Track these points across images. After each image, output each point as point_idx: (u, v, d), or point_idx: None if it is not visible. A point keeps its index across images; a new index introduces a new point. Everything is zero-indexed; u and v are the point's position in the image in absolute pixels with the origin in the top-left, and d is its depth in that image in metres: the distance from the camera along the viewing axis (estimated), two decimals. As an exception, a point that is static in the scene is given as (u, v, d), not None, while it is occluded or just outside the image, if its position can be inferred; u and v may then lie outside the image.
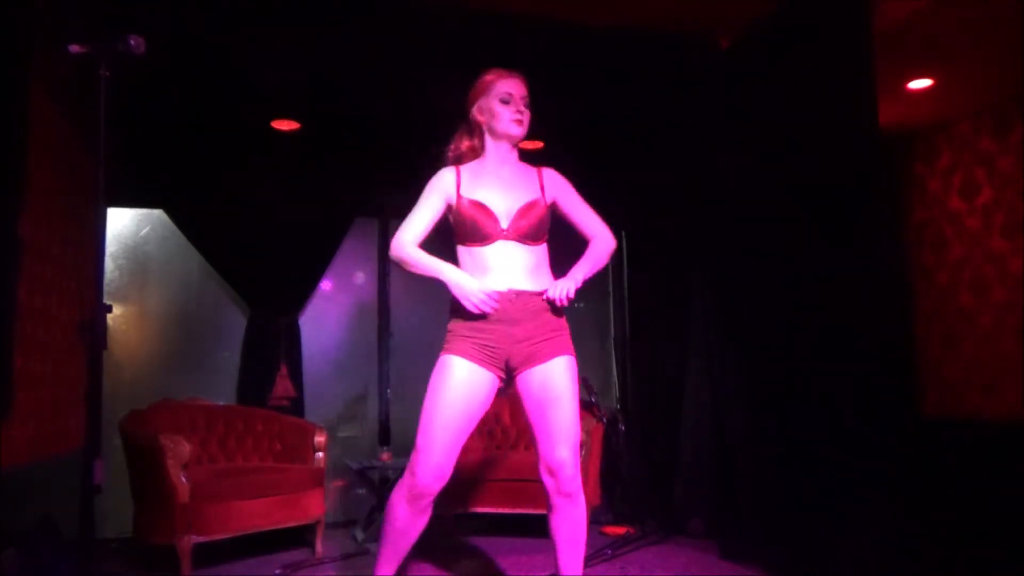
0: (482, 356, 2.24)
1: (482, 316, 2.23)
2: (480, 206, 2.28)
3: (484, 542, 3.95)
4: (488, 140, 2.40)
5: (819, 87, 3.13)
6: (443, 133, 2.53)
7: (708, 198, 3.93)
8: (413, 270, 2.33)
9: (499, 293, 2.23)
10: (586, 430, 3.97)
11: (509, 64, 2.48)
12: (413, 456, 2.22)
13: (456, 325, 2.28)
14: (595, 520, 4.08)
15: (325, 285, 4.74)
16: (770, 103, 3.43)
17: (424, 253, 2.32)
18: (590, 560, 3.47)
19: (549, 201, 2.38)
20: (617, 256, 5.29)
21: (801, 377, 3.18)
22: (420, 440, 2.21)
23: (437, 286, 2.33)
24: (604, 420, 4.11)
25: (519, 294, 2.25)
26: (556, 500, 2.30)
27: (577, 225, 2.45)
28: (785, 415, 3.23)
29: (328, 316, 4.76)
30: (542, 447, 2.26)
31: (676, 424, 4.31)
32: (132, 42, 1.96)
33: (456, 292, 2.23)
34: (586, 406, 4.18)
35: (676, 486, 4.25)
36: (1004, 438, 4.18)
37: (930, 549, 2.77)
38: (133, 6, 3.14)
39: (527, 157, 2.49)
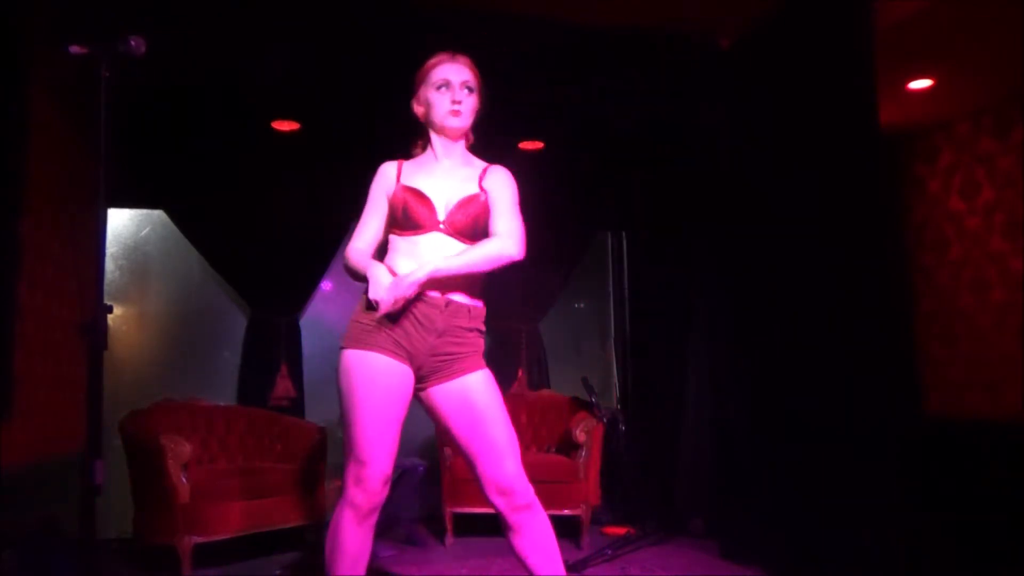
0: (399, 351, 2.06)
1: (402, 317, 2.04)
2: (415, 192, 2.13)
3: (484, 542, 3.94)
4: (431, 133, 2.23)
5: (819, 87, 3.13)
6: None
7: (708, 198, 3.93)
8: (355, 272, 2.17)
9: (431, 298, 2.05)
10: (586, 430, 3.98)
11: (509, 64, 2.45)
12: (355, 469, 2.00)
13: (369, 316, 2.07)
14: (595, 520, 4.08)
15: (325, 285, 4.74)
16: (770, 103, 3.43)
17: (364, 254, 2.17)
18: (590, 560, 3.47)
19: (486, 197, 2.18)
20: (617, 256, 5.35)
21: (802, 377, 3.18)
22: (361, 449, 1.99)
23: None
24: (604, 420, 4.11)
25: (449, 303, 2.07)
26: (513, 518, 2.06)
27: (492, 220, 2.16)
28: (786, 415, 3.24)
29: (328, 316, 4.76)
30: (485, 466, 2.06)
31: (676, 424, 4.32)
32: (132, 43, 1.95)
33: (373, 294, 2.03)
34: (586, 406, 4.18)
35: (677, 486, 4.26)
36: (1005, 438, 4.17)
37: (930, 549, 2.77)
38: (133, 6, 3.14)
39: (526, 158, 2.47)
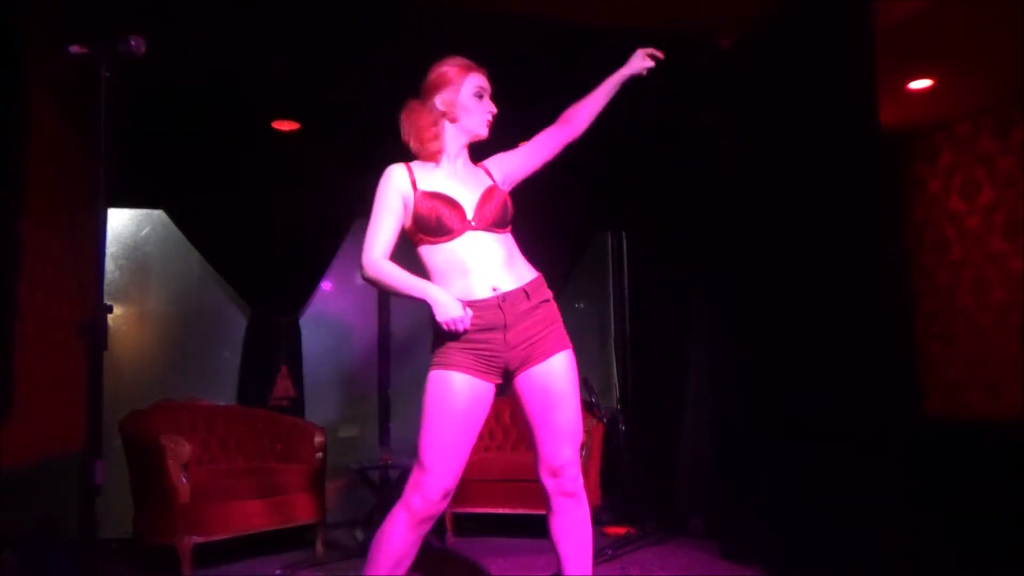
0: (480, 366, 2.11)
1: (472, 331, 2.10)
2: (442, 197, 2.15)
3: (484, 542, 3.95)
4: (446, 135, 2.25)
5: (819, 87, 3.13)
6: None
7: (708, 198, 3.93)
8: (392, 290, 2.17)
9: (483, 301, 2.10)
10: (586, 430, 3.98)
11: (509, 64, 2.46)
12: (420, 477, 2.05)
13: (445, 340, 2.13)
14: (595, 520, 4.06)
15: (325, 285, 4.74)
16: (770, 103, 3.43)
17: (402, 270, 2.17)
18: (590, 560, 3.47)
19: (502, 181, 2.29)
20: (617, 256, 5.35)
21: (802, 377, 3.18)
22: (429, 460, 2.05)
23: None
24: (604, 420, 4.11)
25: (504, 297, 2.12)
26: (558, 501, 2.18)
27: (530, 148, 2.38)
28: (786, 415, 3.24)
29: (328, 316, 4.76)
30: (545, 448, 2.15)
31: (676, 424, 4.31)
32: (132, 43, 1.95)
33: (441, 318, 2.07)
34: (586, 406, 4.18)
35: (677, 486, 4.26)
36: (1005, 438, 4.18)
37: (930, 549, 2.77)
38: (133, 6, 3.14)
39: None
